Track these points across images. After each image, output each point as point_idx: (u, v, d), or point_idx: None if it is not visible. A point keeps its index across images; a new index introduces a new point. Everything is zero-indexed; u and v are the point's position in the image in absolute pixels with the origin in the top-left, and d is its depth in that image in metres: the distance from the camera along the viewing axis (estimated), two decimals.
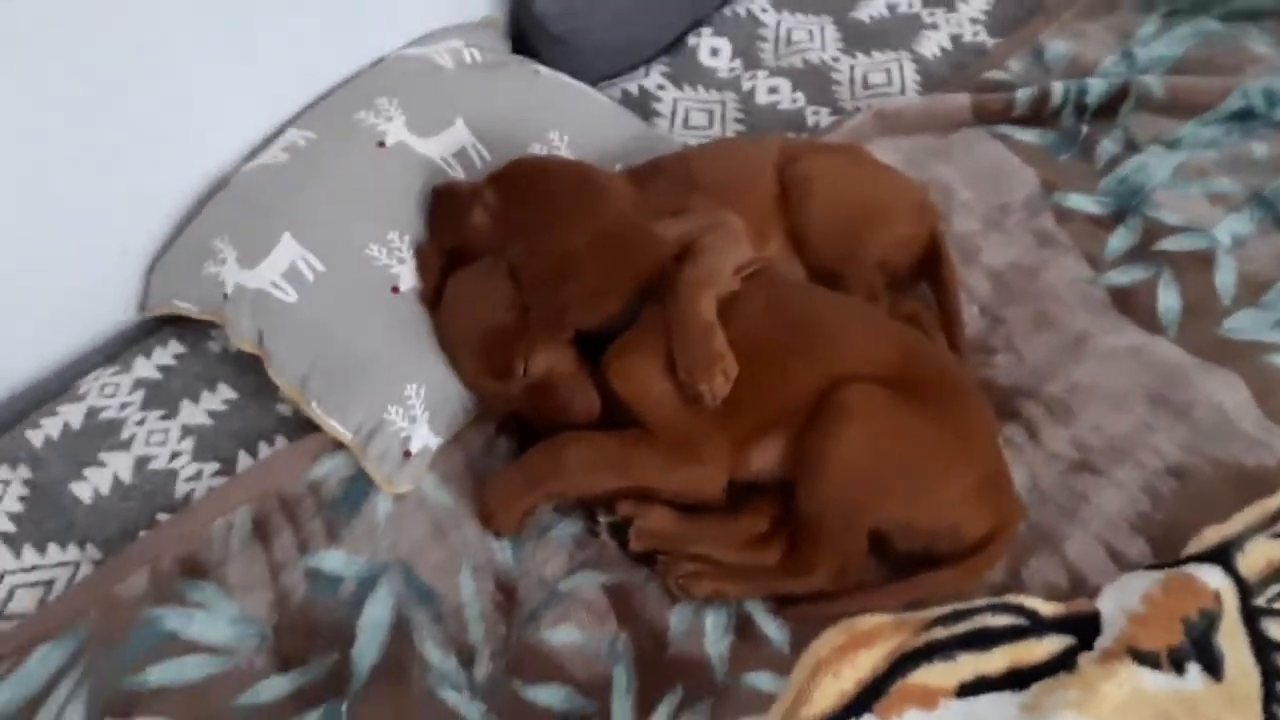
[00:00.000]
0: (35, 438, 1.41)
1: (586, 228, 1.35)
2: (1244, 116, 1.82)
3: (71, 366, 1.53)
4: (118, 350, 1.54)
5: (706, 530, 1.32)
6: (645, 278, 1.35)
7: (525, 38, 1.87)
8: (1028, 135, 1.82)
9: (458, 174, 1.53)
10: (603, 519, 1.32)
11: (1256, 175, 1.73)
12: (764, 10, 2.04)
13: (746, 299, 1.36)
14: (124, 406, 1.45)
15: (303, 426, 1.42)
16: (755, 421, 1.31)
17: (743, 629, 1.27)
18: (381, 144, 1.50)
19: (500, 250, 1.37)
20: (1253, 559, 1.28)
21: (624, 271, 1.35)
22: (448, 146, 1.54)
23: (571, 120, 1.64)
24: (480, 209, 1.40)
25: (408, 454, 1.36)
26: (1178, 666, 1.19)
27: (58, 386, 1.50)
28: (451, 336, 1.39)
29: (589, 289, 1.33)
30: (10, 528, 1.32)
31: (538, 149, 1.58)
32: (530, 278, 1.33)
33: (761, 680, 1.21)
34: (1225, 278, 1.60)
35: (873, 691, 1.18)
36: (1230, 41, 1.95)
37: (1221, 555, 1.28)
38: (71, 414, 1.43)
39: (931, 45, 1.99)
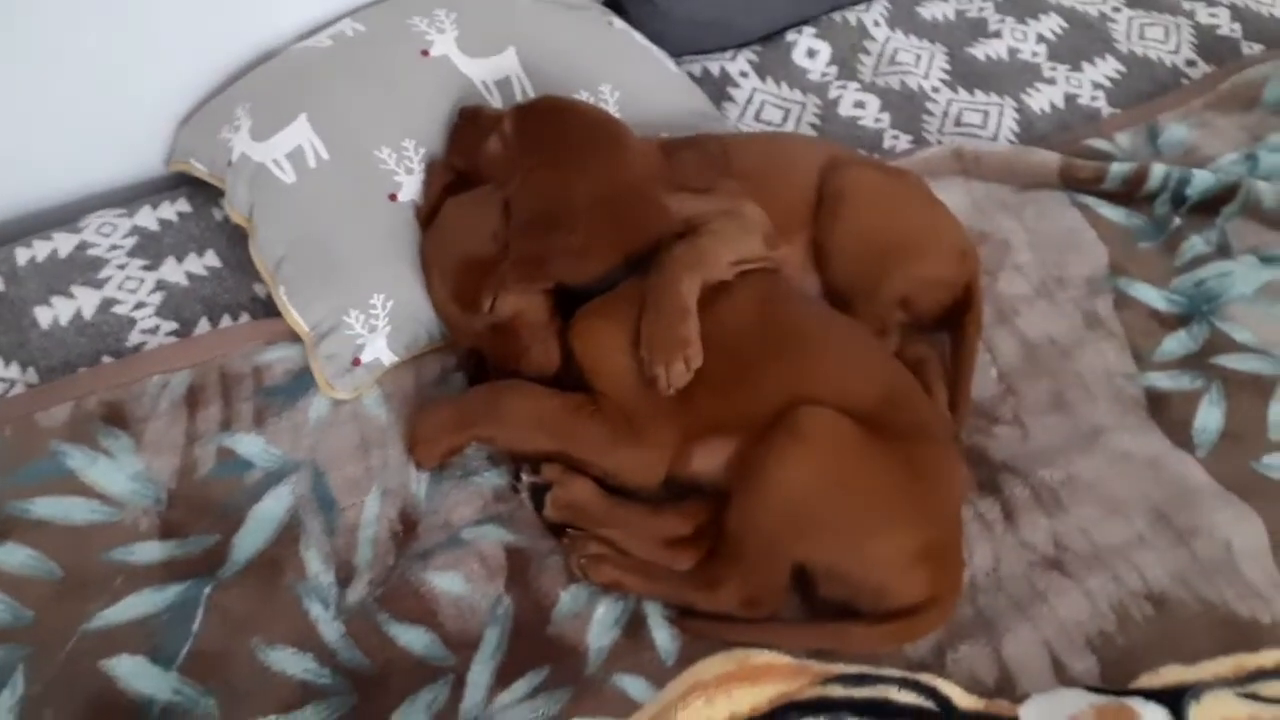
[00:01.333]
0: (21, 256, 1.44)
1: (594, 181, 1.29)
2: None
3: (86, 201, 1.57)
4: (133, 196, 1.57)
5: (626, 516, 1.24)
6: (639, 247, 1.29)
7: None
8: (1113, 212, 1.68)
9: (494, 100, 1.49)
10: (525, 477, 1.26)
11: None
12: (877, 24, 1.94)
13: (736, 294, 1.28)
14: (113, 249, 1.47)
15: (271, 312, 1.40)
16: (707, 420, 1.23)
17: (632, 628, 1.19)
18: (425, 52, 1.48)
19: (504, 182, 1.32)
20: (1208, 711, 1.12)
21: (617, 235, 1.29)
22: (492, 72, 1.50)
23: (629, 79, 1.58)
24: (496, 137, 1.35)
25: (357, 361, 1.33)
26: None
27: (67, 217, 1.52)
28: (432, 256, 1.35)
29: (577, 244, 1.27)
30: None
31: (584, 96, 1.52)
32: (520, 218, 1.28)
33: (633, 685, 1.14)
34: None
35: None
36: None
37: (1174, 698, 1.14)
38: (63, 243, 1.46)
39: (1042, 99, 1.87)
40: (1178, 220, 1.67)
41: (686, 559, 1.23)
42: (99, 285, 1.41)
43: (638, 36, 1.68)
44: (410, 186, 1.40)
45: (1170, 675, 1.20)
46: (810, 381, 1.23)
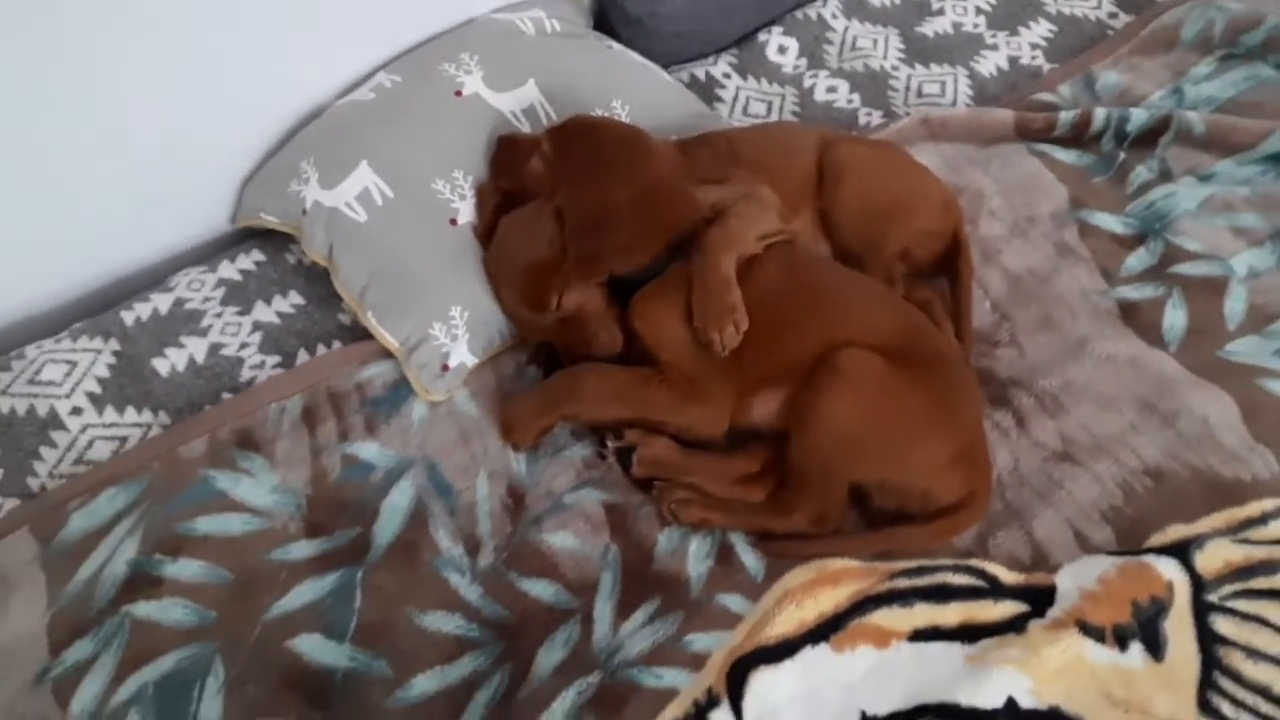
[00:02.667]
0: (127, 318, 1.60)
1: (630, 184, 1.49)
2: None
3: (168, 263, 1.73)
4: (208, 254, 1.74)
5: (702, 464, 1.44)
6: (677, 234, 1.49)
7: (606, 17, 2.01)
8: (1066, 155, 1.90)
9: (523, 127, 1.68)
10: (611, 444, 1.45)
11: None
12: (834, 16, 2.16)
13: (766, 264, 1.48)
14: (206, 300, 1.63)
15: (358, 335, 1.59)
16: (759, 373, 1.43)
17: (723, 556, 1.39)
18: (459, 93, 1.66)
19: (550, 195, 1.51)
20: (1211, 558, 1.34)
21: (658, 227, 1.48)
22: (518, 102, 1.69)
23: (635, 93, 1.78)
24: (537, 157, 1.55)
25: (445, 368, 1.51)
26: (1121, 643, 1.26)
27: (153, 279, 1.69)
28: (497, 267, 1.54)
29: (625, 239, 1.46)
30: (97, 389, 1.51)
31: (600, 114, 1.72)
32: (573, 223, 1.47)
33: (733, 601, 1.33)
34: (1235, 305, 1.66)
35: (831, 625, 1.27)
36: None
37: (1181, 550, 1.35)
38: (161, 301, 1.62)
39: (989, 64, 2.09)
40: (1123, 154, 1.90)
41: (759, 492, 1.43)
42: (203, 333, 1.58)
43: (634, 55, 1.88)
44: (466, 211, 1.59)
45: (1175, 533, 1.41)
46: (840, 328, 1.43)
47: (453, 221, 1.58)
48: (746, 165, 1.62)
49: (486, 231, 1.58)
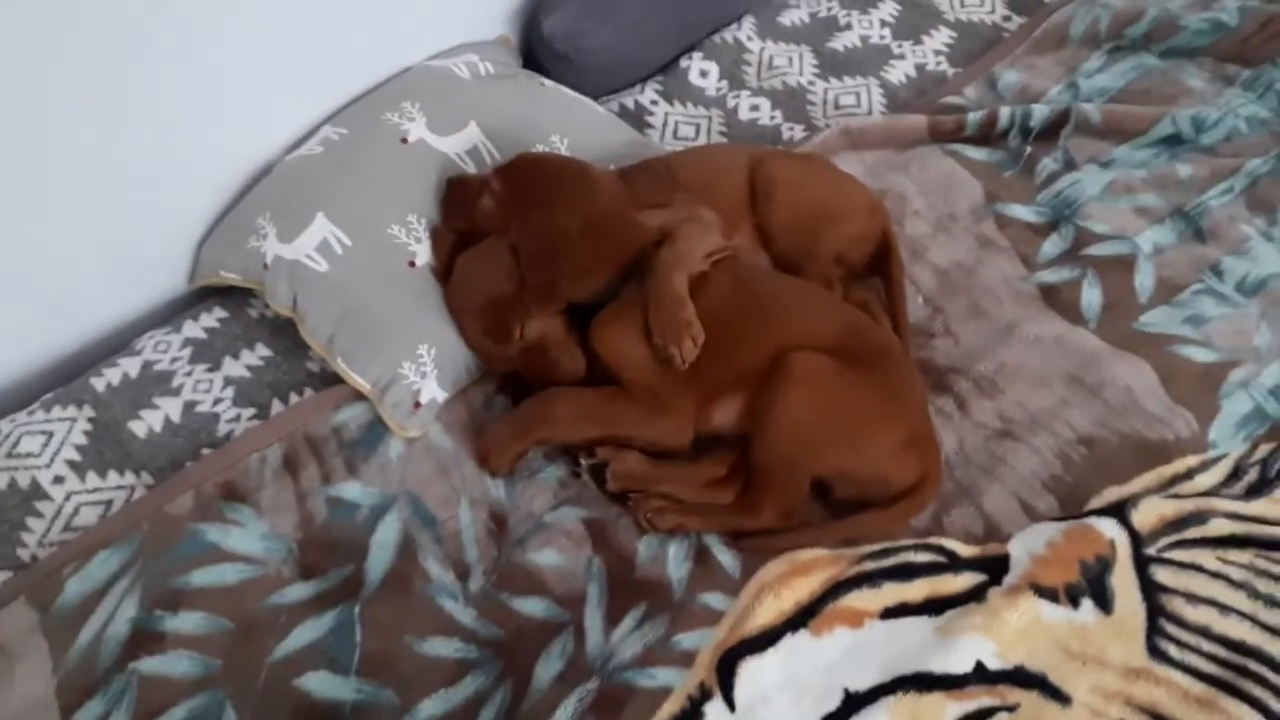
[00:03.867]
0: (98, 384, 1.62)
1: (579, 214, 1.56)
2: (1173, 141, 2.02)
3: (129, 329, 1.75)
4: (169, 315, 1.77)
5: (673, 473, 1.51)
6: (628, 259, 1.56)
7: (534, 55, 2.08)
8: (977, 153, 2.02)
9: (469, 168, 1.74)
10: (584, 462, 1.52)
11: (1180, 193, 1.92)
12: (749, 38, 2.26)
13: (714, 279, 1.56)
14: (174, 360, 1.66)
15: (328, 380, 1.64)
16: (717, 383, 1.51)
17: (700, 557, 1.46)
18: (404, 140, 1.72)
19: (503, 231, 1.58)
20: (1145, 514, 1.45)
21: (610, 252, 1.56)
22: (462, 144, 1.76)
23: (572, 127, 1.85)
24: (487, 196, 1.61)
25: (418, 405, 1.57)
26: (1073, 601, 1.36)
27: (118, 344, 1.72)
28: (458, 304, 1.60)
29: (579, 267, 1.54)
30: (76, 457, 1.54)
31: (540, 148, 1.79)
32: (528, 255, 1.54)
33: (714, 599, 1.40)
34: (1144, 280, 1.79)
35: (808, 611, 1.36)
36: (1167, 75, 2.15)
37: (1118, 510, 1.46)
38: (130, 366, 1.65)
39: (898, 73, 2.21)
40: (1028, 149, 2.03)
41: (728, 494, 1.50)
42: (176, 393, 1.61)
43: (566, 90, 1.96)
44: (423, 253, 1.65)
45: (1111, 495, 1.52)
46: (789, 334, 1.52)
47: (411, 264, 1.64)
48: (685, 188, 1.70)
49: (445, 271, 1.64)
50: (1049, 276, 1.82)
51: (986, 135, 2.05)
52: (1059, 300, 1.78)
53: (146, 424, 1.58)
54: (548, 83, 1.96)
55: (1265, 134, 2.03)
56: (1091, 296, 1.78)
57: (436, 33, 1.96)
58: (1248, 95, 2.09)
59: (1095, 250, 1.84)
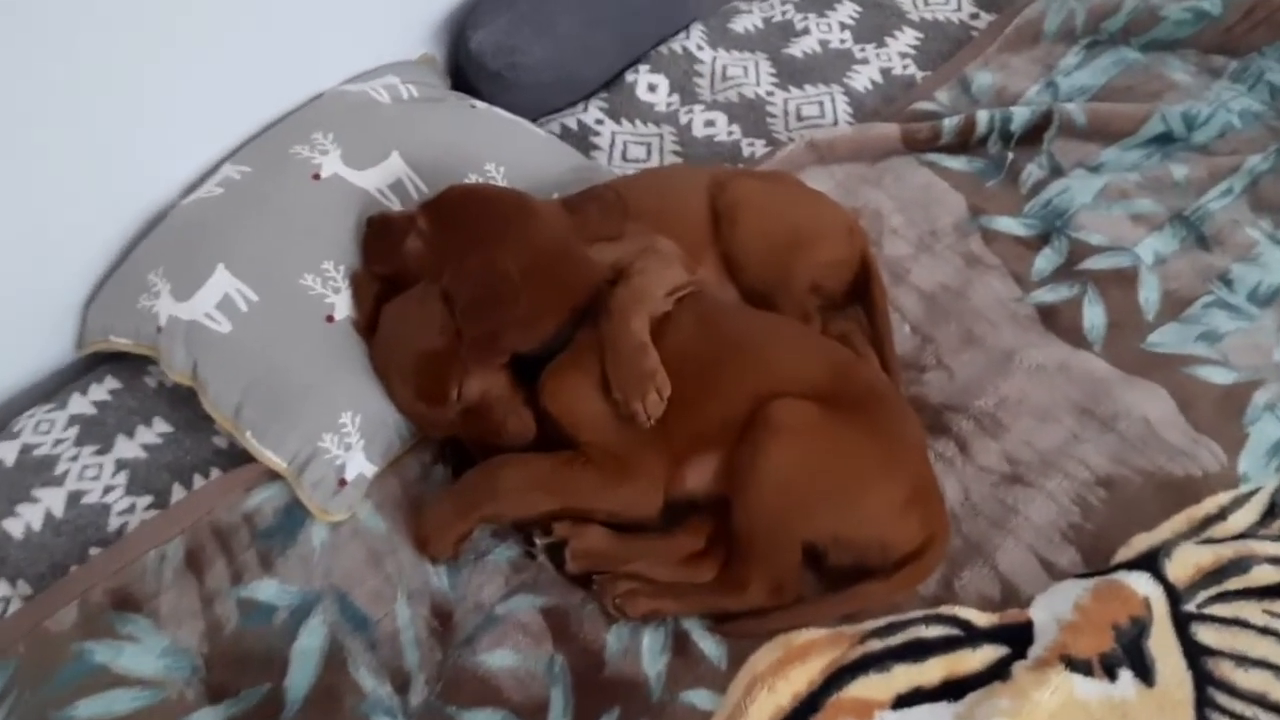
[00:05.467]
0: None
1: (520, 252, 1.37)
2: (1164, 140, 1.88)
3: (8, 405, 1.53)
4: (54, 388, 1.55)
5: (642, 549, 1.33)
6: (579, 301, 1.38)
7: (464, 75, 1.91)
8: (955, 162, 1.87)
9: (393, 204, 1.55)
10: (539, 540, 1.33)
11: (1177, 196, 1.79)
12: (700, 48, 2.09)
13: (678, 320, 1.38)
14: (58, 443, 1.44)
15: (239, 458, 1.42)
16: (688, 439, 1.33)
17: (680, 647, 1.28)
18: (316, 176, 1.52)
19: (434, 276, 1.38)
20: (1180, 565, 1.31)
21: (557, 295, 1.37)
22: (383, 178, 1.56)
23: (508, 153, 1.67)
24: (414, 235, 1.42)
25: (343, 482, 1.36)
26: (1110, 673, 1.21)
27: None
28: (386, 363, 1.40)
29: (523, 313, 1.34)
30: None
31: (474, 179, 1.59)
32: (463, 302, 1.34)
33: (699, 698, 1.23)
34: (1149, 294, 1.65)
35: (809, 706, 1.20)
36: (1149, 70, 2.02)
37: (1150, 562, 1.31)
38: (5, 451, 1.42)
39: (863, 79, 2.05)
40: (1010, 155, 1.88)
41: (708, 570, 1.32)
42: (59, 482, 1.39)
43: (500, 112, 1.77)
44: (342, 304, 1.44)
45: (1140, 543, 1.37)
46: (766, 378, 1.34)
47: (329, 318, 1.43)
48: (639, 216, 1.52)
49: (369, 324, 1.44)
50: (1046, 296, 1.66)
51: (964, 142, 1.90)
52: (1059, 322, 1.63)
53: (24, 522, 1.36)
54: (479, 104, 1.78)
55: (1261, 128, 1.90)
56: (1094, 316, 1.63)
57: (351, 54, 1.77)
58: (1237, 88, 1.97)
59: (1093, 264, 1.69)
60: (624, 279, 1.39)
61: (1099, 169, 1.84)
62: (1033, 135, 1.89)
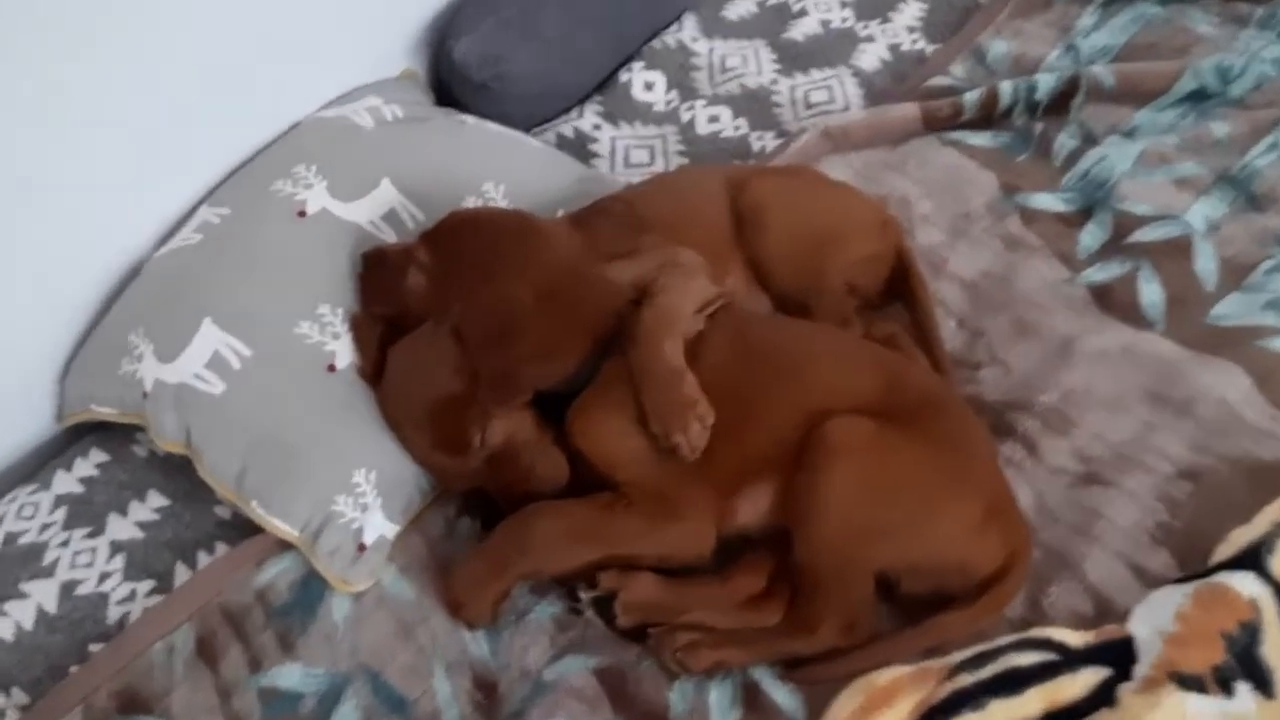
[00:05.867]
0: None
1: (532, 280, 1.26)
2: (1198, 98, 1.76)
3: None
4: (36, 466, 1.43)
5: (699, 595, 1.22)
6: (602, 328, 1.26)
7: (448, 89, 1.80)
8: (981, 139, 1.75)
9: (388, 237, 1.43)
10: (584, 595, 1.21)
11: (1221, 155, 1.67)
12: (694, 39, 1.97)
13: (713, 339, 1.27)
14: (45, 528, 1.33)
15: (245, 529, 1.31)
16: (737, 469, 1.21)
17: (751, 700, 1.17)
18: (302, 213, 1.41)
19: (441, 313, 1.27)
20: None
21: (578, 323, 1.26)
22: (375, 209, 1.44)
23: (506, 169, 1.55)
24: (415, 270, 1.30)
25: (362, 547, 1.25)
26: (1225, 687, 1.10)
27: None
28: (398, 412, 1.28)
29: (542, 346, 1.23)
30: None
31: (472, 202, 1.49)
32: (477, 338, 1.23)
33: None
34: (1206, 264, 1.53)
35: None
36: (1172, 24, 1.90)
37: (1252, 559, 1.20)
38: None
39: (870, 58, 1.93)
40: (1039, 126, 1.76)
41: (773, 612, 1.21)
42: (49, 573, 1.27)
43: (491, 125, 1.66)
44: (344, 351, 1.33)
45: (1238, 539, 1.24)
46: (816, 395, 1.23)
47: (331, 368, 1.32)
48: (654, 227, 1.40)
49: (374, 370, 1.32)
50: (1097, 275, 1.54)
51: (988, 117, 1.78)
52: (1115, 302, 1.51)
53: (13, 621, 1.25)
54: (469, 119, 1.66)
55: None
56: (1151, 293, 1.51)
57: (326, 76, 1.64)
58: (1267, 35, 1.86)
59: (1142, 236, 1.58)
60: (648, 299, 1.27)
61: (1134, 133, 1.73)
62: (1059, 103, 1.78)
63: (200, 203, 1.47)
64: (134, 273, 1.43)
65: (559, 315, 1.24)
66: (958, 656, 1.15)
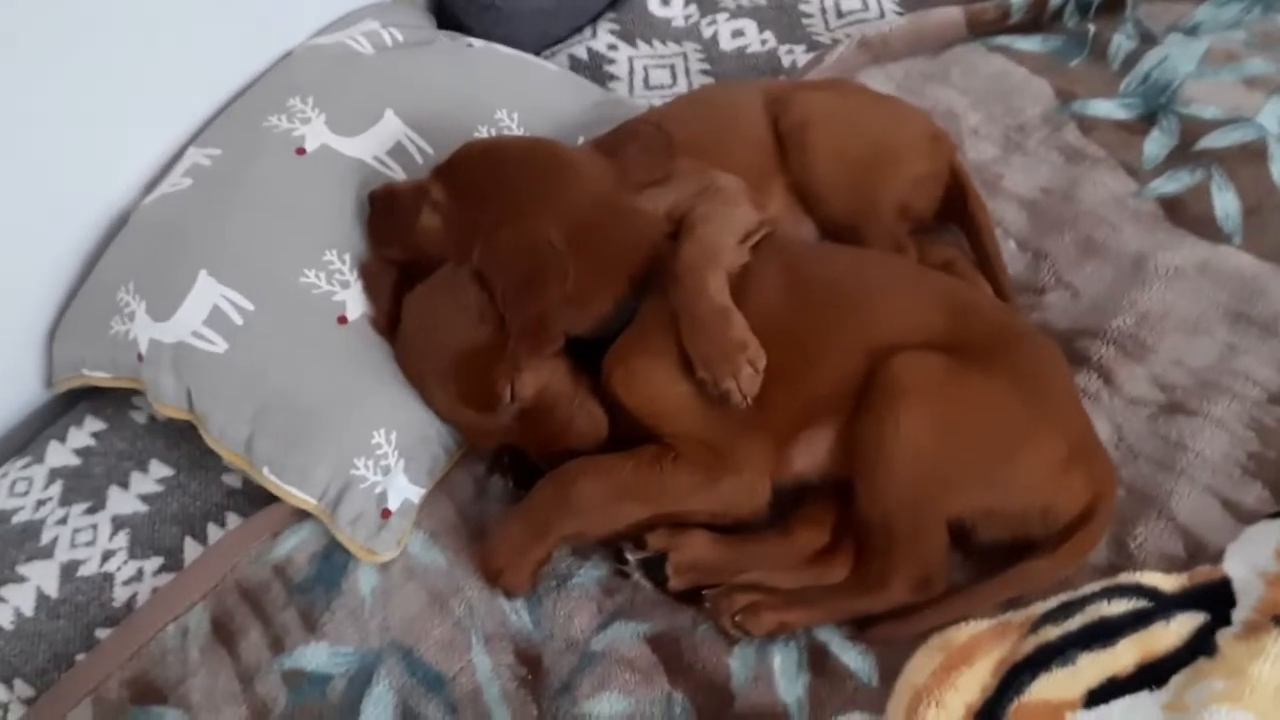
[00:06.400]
0: None
1: (560, 215, 1.14)
2: None
3: None
4: (27, 437, 1.33)
5: (757, 553, 1.12)
6: (638, 266, 1.15)
7: (450, 9, 1.66)
8: (1030, 43, 1.62)
9: (395, 174, 1.30)
10: (631, 556, 1.12)
11: None
12: None
13: (760, 272, 1.16)
14: (40, 505, 1.23)
15: (257, 498, 1.21)
16: (793, 414, 1.11)
17: (818, 664, 1.08)
18: (301, 151, 1.28)
19: (461, 256, 1.15)
20: None
21: (612, 261, 1.15)
22: (379, 143, 1.31)
23: (519, 95, 1.43)
24: (429, 209, 1.18)
25: (386, 513, 1.15)
26: None
27: None
28: (419, 365, 1.17)
29: (575, 288, 1.12)
30: None
31: (485, 132, 1.36)
32: (503, 283, 1.11)
33: None
34: None
35: (987, 717, 0.98)
36: None
37: None
38: None
39: None
40: (1092, 27, 1.64)
41: (839, 568, 1.11)
42: (48, 553, 1.18)
43: (500, 48, 1.53)
44: (355, 301, 1.21)
45: None
46: (877, 330, 1.13)
47: (342, 319, 1.20)
48: (688, 151, 1.27)
49: (389, 321, 1.21)
50: (1166, 186, 1.44)
51: (1037, 18, 1.66)
52: (1187, 214, 1.41)
53: (12, 607, 1.15)
54: (476, 42, 1.53)
55: None
56: (1226, 203, 1.41)
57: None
58: None
59: (1211, 142, 1.46)
60: (687, 231, 1.15)
61: (1195, 30, 1.60)
62: (1112, 1, 1.64)
63: (187, 144, 1.34)
64: (120, 224, 1.31)
65: (592, 254, 1.13)
66: (1041, 608, 1.05)
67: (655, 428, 1.11)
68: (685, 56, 1.69)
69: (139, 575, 1.17)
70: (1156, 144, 1.47)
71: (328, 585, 1.13)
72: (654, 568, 1.11)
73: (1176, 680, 1.01)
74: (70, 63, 1.22)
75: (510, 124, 1.38)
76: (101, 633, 1.13)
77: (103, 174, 1.33)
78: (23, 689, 1.10)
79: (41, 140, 1.23)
